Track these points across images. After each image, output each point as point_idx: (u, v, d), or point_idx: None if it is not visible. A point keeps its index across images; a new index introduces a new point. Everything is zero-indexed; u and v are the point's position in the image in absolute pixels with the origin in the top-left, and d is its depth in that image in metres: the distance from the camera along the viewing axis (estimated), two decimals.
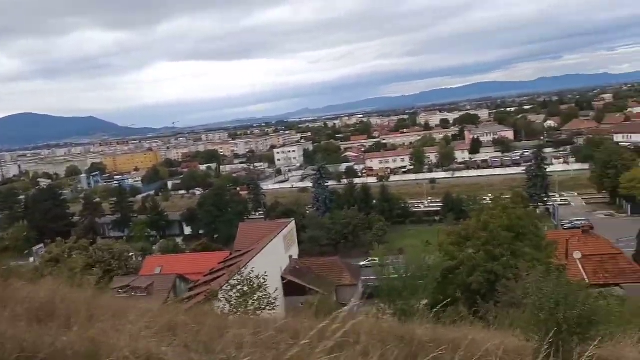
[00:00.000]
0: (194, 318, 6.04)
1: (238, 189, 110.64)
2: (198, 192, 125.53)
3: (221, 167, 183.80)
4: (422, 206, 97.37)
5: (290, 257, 49.53)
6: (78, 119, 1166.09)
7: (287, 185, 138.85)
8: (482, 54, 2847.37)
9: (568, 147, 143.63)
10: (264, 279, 14.66)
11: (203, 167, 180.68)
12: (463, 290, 31.66)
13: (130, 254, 52.75)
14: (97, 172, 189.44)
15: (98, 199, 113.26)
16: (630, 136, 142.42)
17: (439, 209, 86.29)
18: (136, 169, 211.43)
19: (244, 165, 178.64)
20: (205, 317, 6.62)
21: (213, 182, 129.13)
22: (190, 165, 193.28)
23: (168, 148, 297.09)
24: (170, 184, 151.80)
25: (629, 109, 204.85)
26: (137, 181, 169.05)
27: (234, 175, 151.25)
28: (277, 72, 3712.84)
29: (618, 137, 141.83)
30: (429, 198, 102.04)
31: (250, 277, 13.98)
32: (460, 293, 31.56)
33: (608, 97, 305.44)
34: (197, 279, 38.71)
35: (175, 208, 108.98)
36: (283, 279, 42.11)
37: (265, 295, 12.41)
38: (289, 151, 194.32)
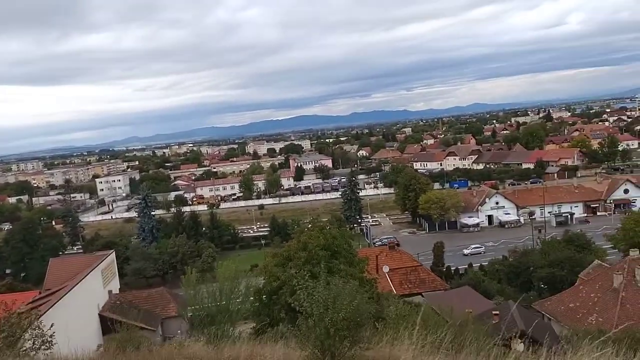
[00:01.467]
0: None
1: (53, 222, 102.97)
2: (6, 227, 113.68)
3: (34, 199, 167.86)
4: (252, 231, 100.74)
5: (110, 292, 47.45)
6: None
7: (111, 216, 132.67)
8: (303, 89, 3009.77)
9: (377, 173, 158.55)
10: (36, 314, 13.16)
11: (13, 200, 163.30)
12: (287, 309, 34.78)
13: None
14: None
15: None
16: (426, 164, 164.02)
17: (267, 233, 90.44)
18: None
19: (60, 197, 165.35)
20: None
21: (23, 215, 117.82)
22: None
23: None
24: None
25: (424, 141, 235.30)
26: None
27: (49, 207, 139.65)
28: (101, 99, 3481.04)
29: (417, 165, 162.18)
30: (258, 223, 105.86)
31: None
32: (284, 313, 34.58)
33: (408, 130, 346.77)
34: None
35: None
36: (101, 316, 40.54)
37: (39, 334, 10.98)
38: (114, 180, 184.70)
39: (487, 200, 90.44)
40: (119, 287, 51.28)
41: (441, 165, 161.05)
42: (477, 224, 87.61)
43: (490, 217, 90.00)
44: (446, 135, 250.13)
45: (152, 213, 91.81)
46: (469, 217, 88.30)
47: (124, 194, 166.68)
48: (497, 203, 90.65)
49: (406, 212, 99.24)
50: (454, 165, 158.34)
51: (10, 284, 63.17)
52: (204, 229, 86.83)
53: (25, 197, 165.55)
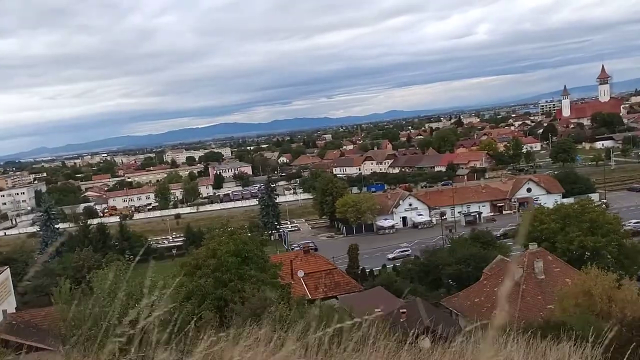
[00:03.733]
0: None
1: None
2: None
3: None
4: (167, 242, 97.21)
5: (4, 311, 44.17)
6: None
7: (14, 231, 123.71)
8: (222, 97, 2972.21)
9: (297, 179, 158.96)
10: None
11: None
12: (195, 321, 33.17)
13: None
14: None
15: None
16: (345, 169, 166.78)
17: (182, 243, 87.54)
18: None
19: None
20: None
21: None
22: None
23: None
24: None
25: (344, 147, 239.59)
26: None
27: None
28: (6, 107, 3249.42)
29: (336, 170, 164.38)
30: (174, 233, 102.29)
31: None
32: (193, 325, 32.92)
33: (328, 137, 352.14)
34: None
35: None
36: None
37: None
38: (17, 194, 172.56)
39: (401, 202, 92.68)
40: (15, 306, 47.71)
41: (359, 169, 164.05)
42: (393, 226, 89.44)
43: (404, 219, 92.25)
44: (364, 141, 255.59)
45: (56, 226, 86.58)
46: (384, 219, 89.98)
47: (29, 208, 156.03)
48: (410, 205, 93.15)
49: (324, 216, 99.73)
50: (371, 169, 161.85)
51: None
52: (113, 241, 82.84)
53: None
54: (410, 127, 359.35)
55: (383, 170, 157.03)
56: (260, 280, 32.94)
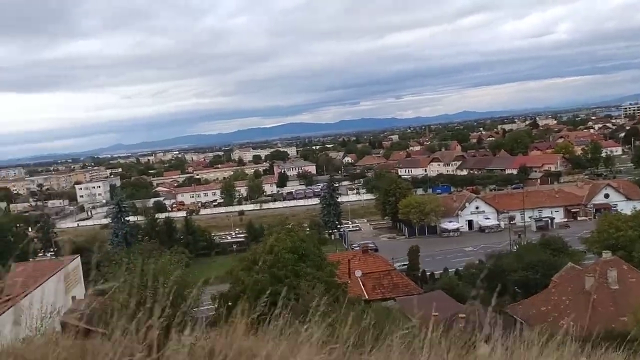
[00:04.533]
0: None
1: (29, 228, 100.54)
2: None
3: (12, 205, 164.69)
4: (229, 237, 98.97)
5: (73, 297, 46.19)
6: None
7: (90, 222, 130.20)
8: (291, 97, 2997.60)
9: (361, 179, 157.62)
10: None
11: None
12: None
13: None
14: None
15: None
16: (411, 170, 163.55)
17: (243, 239, 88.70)
18: None
19: (35, 203, 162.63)
20: None
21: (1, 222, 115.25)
22: None
23: None
24: None
25: (410, 148, 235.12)
26: None
27: (26, 214, 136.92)
28: (87, 106, 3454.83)
29: (401, 171, 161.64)
30: (237, 229, 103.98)
31: None
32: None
33: (395, 137, 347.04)
34: None
35: None
36: (62, 322, 39.29)
37: None
38: (94, 187, 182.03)
39: (467, 204, 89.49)
40: (84, 293, 49.81)
41: (425, 171, 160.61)
42: (457, 229, 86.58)
43: (470, 222, 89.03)
44: (432, 142, 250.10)
45: (127, 219, 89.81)
46: (449, 222, 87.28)
47: (103, 201, 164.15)
48: (477, 208, 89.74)
49: (386, 217, 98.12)
50: (437, 171, 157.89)
51: None
52: (178, 234, 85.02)
53: (2, 204, 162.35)
54: (481, 129, 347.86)
55: (450, 172, 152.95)
56: (315, 277, 32.74)
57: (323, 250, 43.62)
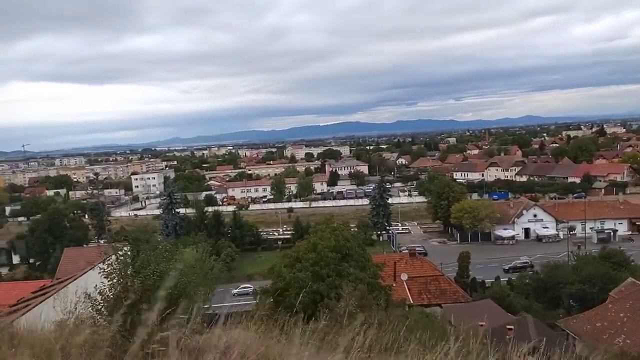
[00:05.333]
0: None
1: (86, 215, 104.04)
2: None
3: (71, 192, 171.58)
4: (277, 234, 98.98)
5: None
6: None
7: (143, 212, 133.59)
8: (347, 96, 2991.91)
9: (414, 181, 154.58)
10: None
11: (50, 193, 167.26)
12: (290, 312, 32.17)
13: None
14: None
15: None
16: (467, 174, 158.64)
17: (290, 236, 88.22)
18: None
19: (91, 191, 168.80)
20: None
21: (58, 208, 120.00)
22: (35, 191, 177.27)
23: (14, 172, 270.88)
24: (8, 209, 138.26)
25: (468, 151, 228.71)
26: None
27: (84, 201, 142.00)
28: (147, 99, 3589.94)
29: (457, 175, 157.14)
30: (284, 226, 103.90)
31: None
32: (288, 315, 32.04)
33: (453, 140, 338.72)
34: None
35: (10, 235, 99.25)
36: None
37: None
38: (148, 178, 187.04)
39: (524, 212, 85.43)
40: None
41: (482, 175, 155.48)
42: (513, 237, 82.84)
43: (527, 230, 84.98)
44: (491, 146, 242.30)
45: (177, 210, 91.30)
46: (504, 229, 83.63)
47: (157, 192, 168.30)
48: (535, 216, 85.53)
49: (438, 221, 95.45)
50: (495, 176, 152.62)
51: (26, 272, 63.52)
52: (226, 228, 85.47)
53: (63, 191, 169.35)
54: (545, 134, 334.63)
55: (508, 178, 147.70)
56: (358, 278, 31.79)
57: (368, 251, 42.51)
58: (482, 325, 27.83)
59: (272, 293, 33.68)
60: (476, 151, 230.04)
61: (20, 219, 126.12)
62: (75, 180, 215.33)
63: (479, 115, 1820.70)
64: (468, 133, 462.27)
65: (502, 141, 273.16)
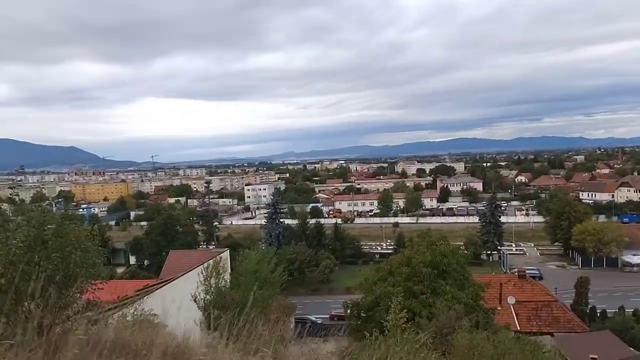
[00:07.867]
0: None
1: (200, 222, 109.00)
2: None
3: (189, 200, 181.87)
4: (380, 248, 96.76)
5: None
6: (59, 148, 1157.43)
7: (252, 222, 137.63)
8: (464, 111, 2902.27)
9: (534, 200, 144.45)
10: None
11: (172, 200, 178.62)
12: (381, 328, 30.18)
13: None
14: (60, 200, 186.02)
15: None
16: (594, 194, 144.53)
17: (392, 251, 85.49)
18: (105, 199, 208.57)
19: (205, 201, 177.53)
20: None
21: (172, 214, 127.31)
22: (158, 198, 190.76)
23: (142, 180, 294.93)
24: (133, 214, 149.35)
25: (597, 170, 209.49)
26: (103, 210, 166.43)
27: (199, 209, 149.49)
28: (266, 115, 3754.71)
29: (583, 195, 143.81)
30: (388, 240, 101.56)
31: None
32: (378, 331, 30.06)
33: (580, 158, 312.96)
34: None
35: (130, 238, 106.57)
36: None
37: None
38: (260, 189, 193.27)
39: None
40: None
41: (612, 196, 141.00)
42: None
43: None
44: (624, 165, 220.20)
45: (281, 220, 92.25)
46: (633, 254, 74.19)
47: (267, 202, 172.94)
48: None
49: (557, 243, 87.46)
50: (627, 197, 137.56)
51: (133, 271, 67.18)
52: (327, 240, 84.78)
53: (183, 199, 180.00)
54: None
55: None
56: (455, 297, 28.87)
57: (470, 270, 39.18)
58: (594, 358, 23.62)
59: (362, 307, 31.53)
60: (607, 170, 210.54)
61: (142, 223, 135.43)
62: (195, 189, 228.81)
63: (612, 132, 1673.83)
64: (598, 151, 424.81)
65: (637, 160, 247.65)
